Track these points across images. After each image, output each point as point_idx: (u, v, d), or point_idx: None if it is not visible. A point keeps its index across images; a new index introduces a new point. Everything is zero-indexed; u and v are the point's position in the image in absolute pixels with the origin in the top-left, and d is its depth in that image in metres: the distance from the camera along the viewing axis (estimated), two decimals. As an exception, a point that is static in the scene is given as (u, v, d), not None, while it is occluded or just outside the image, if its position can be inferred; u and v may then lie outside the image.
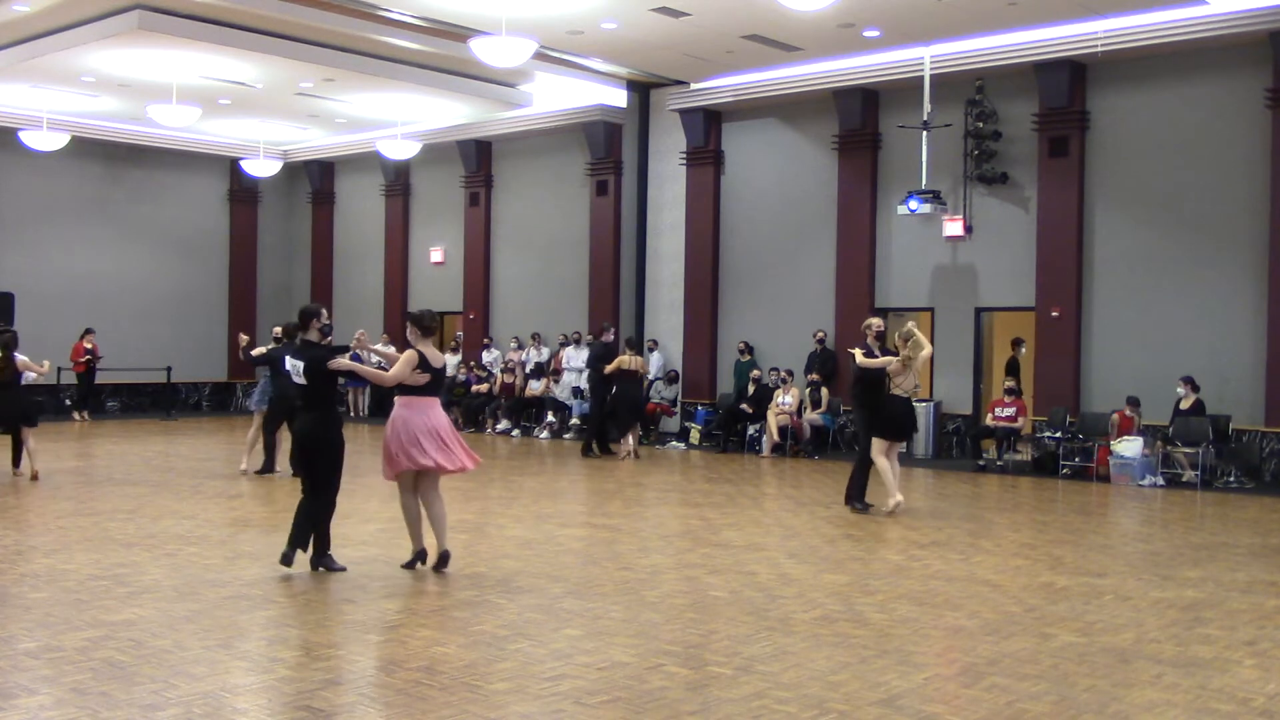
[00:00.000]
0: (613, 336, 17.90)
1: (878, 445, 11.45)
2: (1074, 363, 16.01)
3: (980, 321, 17.11)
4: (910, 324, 11.84)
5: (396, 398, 8.25)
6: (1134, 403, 14.83)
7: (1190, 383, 14.45)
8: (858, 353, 11.59)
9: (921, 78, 16.45)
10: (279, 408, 13.31)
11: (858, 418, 11.93)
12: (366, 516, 10.71)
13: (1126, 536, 10.98)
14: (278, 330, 14.29)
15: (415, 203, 24.13)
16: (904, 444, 11.74)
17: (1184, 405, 14.45)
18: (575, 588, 7.87)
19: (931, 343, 17.49)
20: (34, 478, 12.85)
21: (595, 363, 17.28)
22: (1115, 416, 14.88)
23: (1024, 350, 16.42)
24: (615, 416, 16.89)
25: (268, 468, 13.75)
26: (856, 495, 11.67)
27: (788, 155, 18.92)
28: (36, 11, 15.61)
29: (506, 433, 20.07)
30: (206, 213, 25.29)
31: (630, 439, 16.60)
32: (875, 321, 11.95)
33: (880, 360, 11.46)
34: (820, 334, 18.01)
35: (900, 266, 17.68)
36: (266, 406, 13.68)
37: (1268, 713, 5.43)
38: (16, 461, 13.27)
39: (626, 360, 16.57)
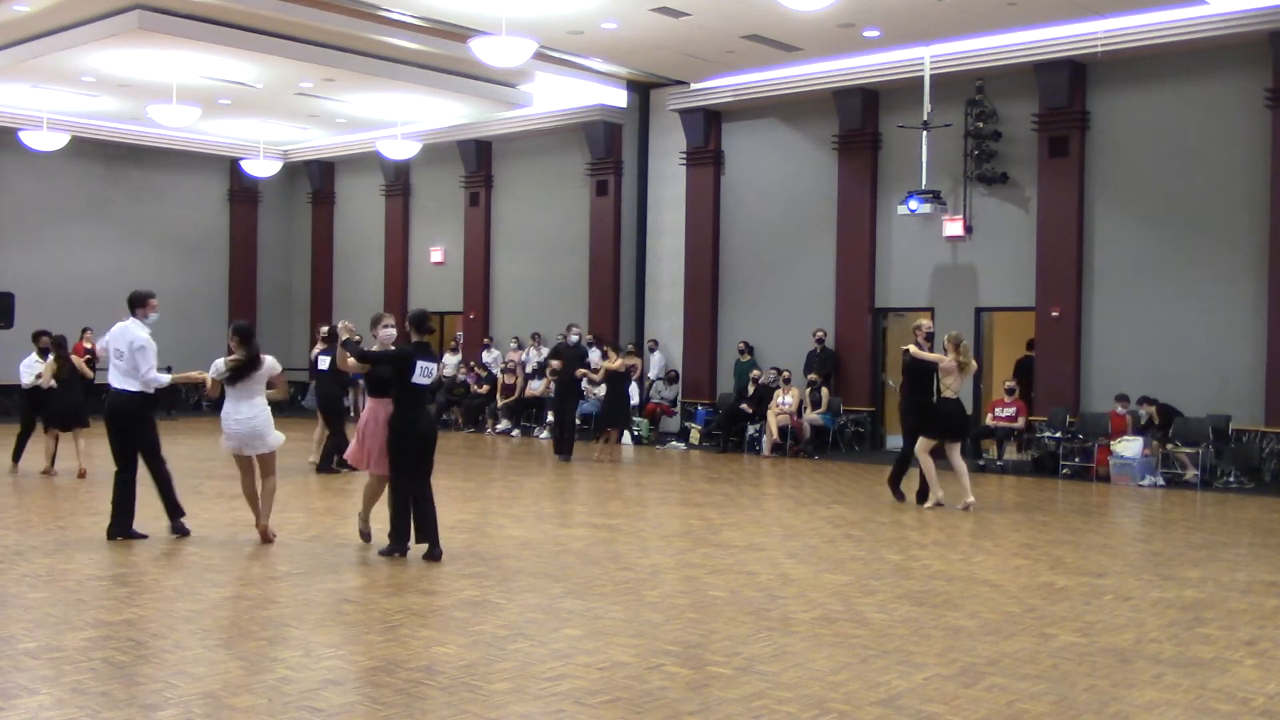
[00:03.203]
0: (577, 337, 17.66)
1: (923, 443, 11.69)
2: (1074, 363, 16.01)
3: (980, 321, 17.10)
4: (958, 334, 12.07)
5: (382, 396, 8.90)
6: (1124, 399, 14.87)
7: (1147, 400, 14.56)
8: (912, 347, 11.75)
9: (921, 78, 16.45)
10: (329, 406, 13.89)
11: (905, 420, 12.16)
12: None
13: (1126, 536, 10.98)
14: (325, 330, 14.60)
15: (415, 203, 24.13)
16: (960, 443, 11.88)
17: (1156, 420, 14.48)
18: (575, 588, 7.87)
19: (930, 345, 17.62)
20: (81, 475, 13.02)
21: (553, 360, 17.05)
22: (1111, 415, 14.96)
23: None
24: (602, 418, 16.97)
25: (327, 466, 13.94)
26: (893, 483, 12.19)
27: (788, 155, 18.92)
28: (36, 11, 15.61)
29: (506, 433, 20.07)
30: (206, 213, 25.28)
31: (610, 440, 16.35)
32: (925, 322, 12.13)
33: (933, 355, 11.66)
34: (820, 333, 18.01)
35: (900, 266, 17.68)
36: (318, 407, 14.17)
37: (1268, 713, 5.43)
38: (53, 459, 13.60)
39: (618, 365, 16.46)
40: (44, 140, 19.76)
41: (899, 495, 12.24)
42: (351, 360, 9.06)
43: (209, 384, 9.65)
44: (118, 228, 23.94)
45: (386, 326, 9.12)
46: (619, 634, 6.64)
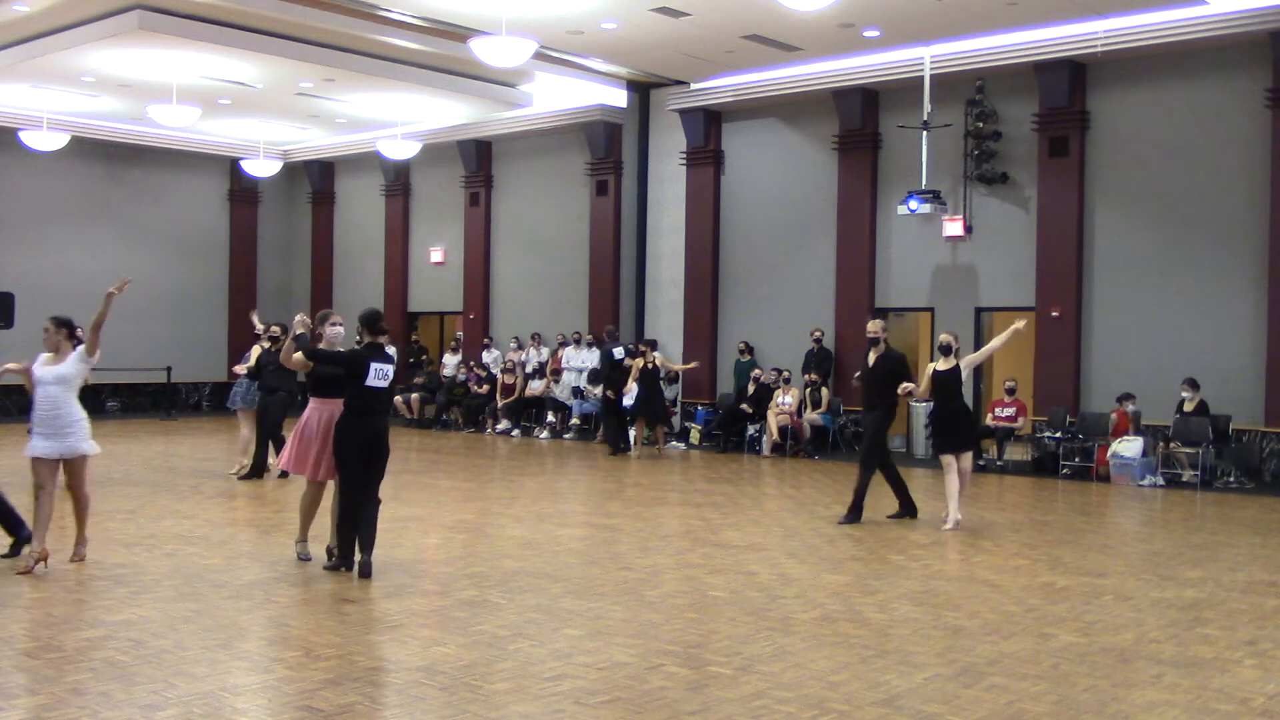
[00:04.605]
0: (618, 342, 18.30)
1: (951, 457, 10.85)
2: (1074, 363, 16.01)
3: (980, 321, 17.11)
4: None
5: (326, 397, 8.45)
6: (1128, 398, 14.84)
7: (1192, 384, 14.46)
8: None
9: (921, 78, 16.45)
10: (278, 407, 13.16)
11: (876, 419, 11.21)
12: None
13: (1126, 536, 10.98)
14: (276, 330, 14.18)
15: (415, 203, 24.13)
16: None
17: (1188, 407, 14.45)
18: (575, 588, 7.87)
19: (931, 345, 17.58)
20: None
21: (616, 369, 17.56)
22: (1114, 415, 14.92)
23: None
24: (642, 416, 17.28)
25: (256, 472, 13.31)
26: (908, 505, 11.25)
27: (788, 155, 18.92)
28: (36, 11, 15.61)
29: (506, 433, 20.07)
30: (206, 213, 25.28)
31: (658, 438, 17.39)
32: (874, 324, 11.43)
33: (977, 356, 11.19)
34: (818, 333, 18.00)
35: (900, 266, 17.68)
36: (254, 407, 13.32)
37: (1268, 713, 5.43)
38: None
39: (642, 362, 16.98)
40: (44, 140, 19.75)
41: (914, 511, 11.29)
42: (298, 356, 8.51)
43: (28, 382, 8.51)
44: (118, 228, 23.93)
45: (334, 325, 8.67)
46: (619, 634, 6.65)
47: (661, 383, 19.63)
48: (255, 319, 14.94)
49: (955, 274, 17.14)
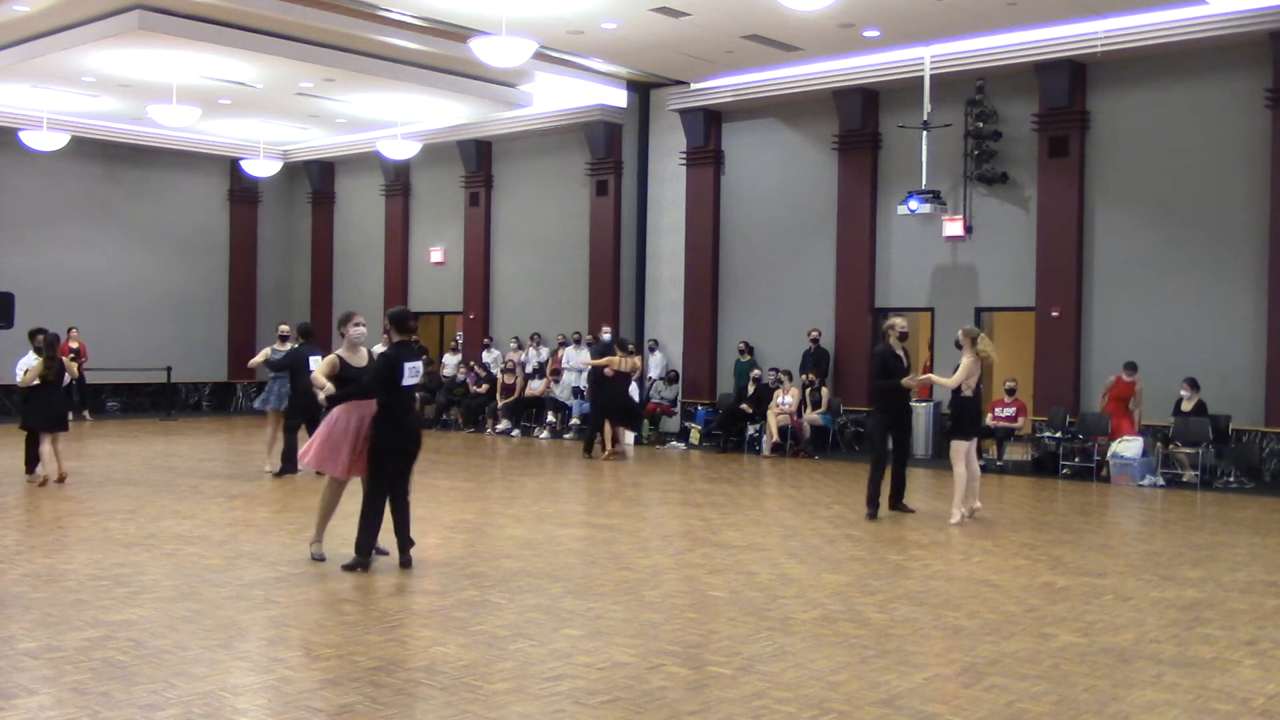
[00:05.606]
0: (609, 337, 18.21)
1: (959, 448, 11.01)
2: (1074, 363, 16.01)
3: (980, 321, 17.09)
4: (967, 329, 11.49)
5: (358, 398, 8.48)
6: (1131, 368, 14.84)
7: (1192, 384, 14.46)
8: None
9: (921, 78, 16.45)
10: (301, 407, 13.21)
11: (896, 431, 11.57)
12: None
13: (1126, 536, 10.98)
14: (285, 329, 14.28)
15: (415, 203, 24.13)
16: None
17: (1186, 407, 14.46)
18: (575, 588, 7.87)
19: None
20: (61, 479, 12.68)
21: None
22: (1110, 379, 14.90)
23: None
24: (608, 416, 17.02)
25: (290, 469, 13.48)
26: (897, 498, 11.54)
27: (788, 155, 18.92)
28: (36, 11, 15.61)
29: (506, 433, 20.07)
30: (206, 213, 25.28)
31: (621, 437, 16.97)
32: (899, 321, 11.57)
33: (964, 366, 10.97)
34: (814, 333, 18.00)
35: (900, 266, 17.68)
36: (285, 406, 13.52)
37: (1268, 713, 5.43)
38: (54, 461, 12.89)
39: (616, 361, 16.67)
40: (44, 140, 19.75)
41: (908, 509, 11.54)
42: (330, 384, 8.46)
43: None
44: (118, 228, 23.94)
45: (357, 325, 8.67)
46: (619, 634, 6.65)
47: (661, 383, 19.69)
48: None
49: (955, 274, 17.14)
